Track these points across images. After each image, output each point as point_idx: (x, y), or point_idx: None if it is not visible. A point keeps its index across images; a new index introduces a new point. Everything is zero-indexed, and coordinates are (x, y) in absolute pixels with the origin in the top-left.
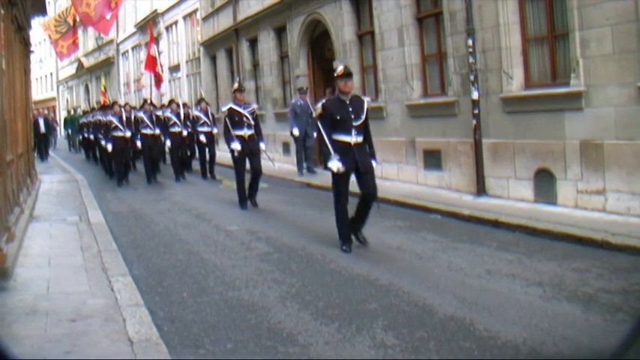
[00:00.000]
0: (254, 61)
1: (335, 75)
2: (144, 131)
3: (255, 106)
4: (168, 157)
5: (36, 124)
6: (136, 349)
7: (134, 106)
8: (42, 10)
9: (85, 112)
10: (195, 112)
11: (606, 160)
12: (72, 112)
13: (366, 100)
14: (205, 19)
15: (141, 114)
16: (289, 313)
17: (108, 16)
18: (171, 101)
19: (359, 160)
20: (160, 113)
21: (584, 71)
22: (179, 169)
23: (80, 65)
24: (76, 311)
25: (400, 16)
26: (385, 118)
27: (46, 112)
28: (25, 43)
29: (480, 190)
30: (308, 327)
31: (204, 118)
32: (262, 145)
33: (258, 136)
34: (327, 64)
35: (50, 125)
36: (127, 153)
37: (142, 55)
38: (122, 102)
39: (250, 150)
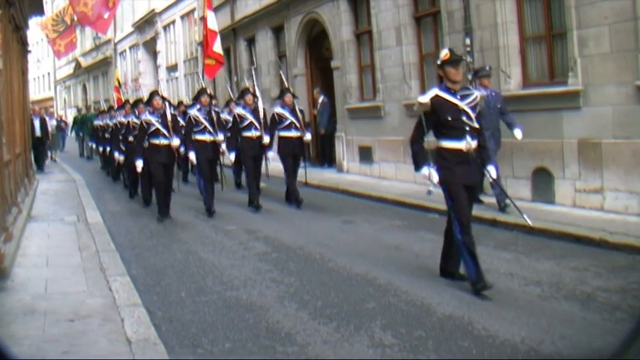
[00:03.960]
0: (252, 61)
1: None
2: (200, 137)
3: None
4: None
5: (30, 125)
6: (134, 348)
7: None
8: (39, 10)
9: (101, 112)
10: (238, 110)
11: (604, 159)
12: (83, 111)
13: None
14: (203, 18)
15: (195, 111)
16: (287, 312)
17: (106, 16)
18: (244, 91)
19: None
20: (223, 114)
21: (582, 70)
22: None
23: (78, 65)
24: (74, 311)
25: (398, 15)
26: (383, 117)
27: (37, 108)
28: (23, 43)
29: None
30: (306, 326)
31: (251, 118)
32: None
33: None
34: (325, 63)
35: (46, 126)
36: (170, 171)
37: (140, 54)
38: (104, 106)
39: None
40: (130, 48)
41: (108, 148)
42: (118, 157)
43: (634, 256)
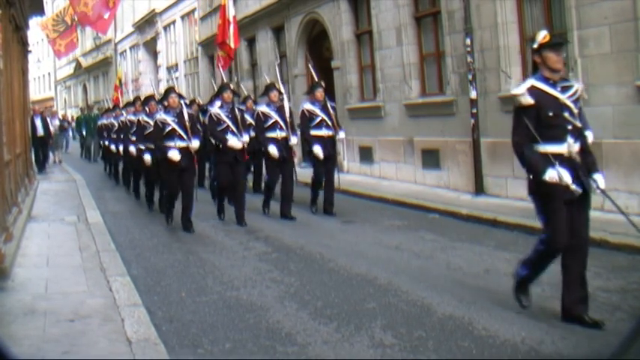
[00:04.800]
0: (252, 61)
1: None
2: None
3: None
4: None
5: (31, 124)
6: (135, 349)
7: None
8: (40, 10)
9: (106, 111)
10: (261, 108)
11: (604, 159)
12: (85, 111)
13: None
14: (203, 18)
15: (216, 109)
16: (288, 312)
17: (106, 16)
18: (268, 87)
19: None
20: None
21: (582, 70)
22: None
23: (78, 65)
24: (74, 311)
25: (398, 15)
26: (383, 117)
27: (38, 107)
28: (23, 43)
29: (479, 189)
30: (306, 326)
31: (276, 117)
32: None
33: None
34: (326, 63)
35: (47, 126)
36: (189, 178)
37: (140, 54)
38: (109, 105)
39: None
40: (131, 48)
41: (113, 146)
42: (134, 150)
43: (634, 256)
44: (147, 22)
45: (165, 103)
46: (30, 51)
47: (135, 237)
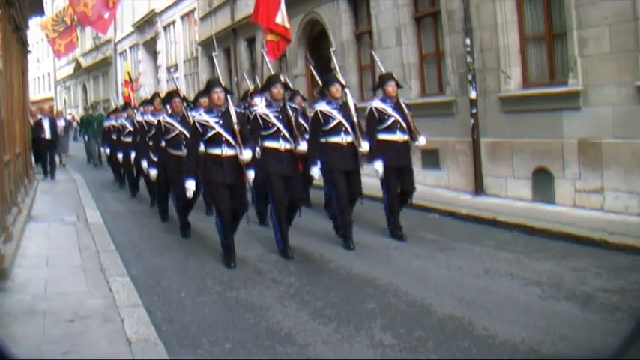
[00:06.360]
0: (252, 61)
1: None
2: (270, 144)
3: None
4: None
5: (38, 126)
6: (134, 349)
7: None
8: (39, 10)
9: (114, 111)
10: (320, 106)
11: (604, 159)
12: (90, 111)
13: None
14: (203, 18)
15: (263, 107)
16: (288, 312)
17: (106, 16)
18: (328, 81)
19: None
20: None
21: (582, 70)
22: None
23: (78, 65)
24: (74, 311)
25: (398, 15)
26: None
27: (47, 108)
28: (23, 43)
29: (478, 189)
30: (306, 327)
31: (340, 118)
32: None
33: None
34: (325, 63)
35: (55, 128)
36: (239, 199)
37: (140, 54)
38: (117, 104)
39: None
40: (130, 48)
41: (120, 155)
42: (148, 168)
43: (634, 256)
44: (147, 22)
45: (202, 100)
46: (30, 51)
47: (135, 237)
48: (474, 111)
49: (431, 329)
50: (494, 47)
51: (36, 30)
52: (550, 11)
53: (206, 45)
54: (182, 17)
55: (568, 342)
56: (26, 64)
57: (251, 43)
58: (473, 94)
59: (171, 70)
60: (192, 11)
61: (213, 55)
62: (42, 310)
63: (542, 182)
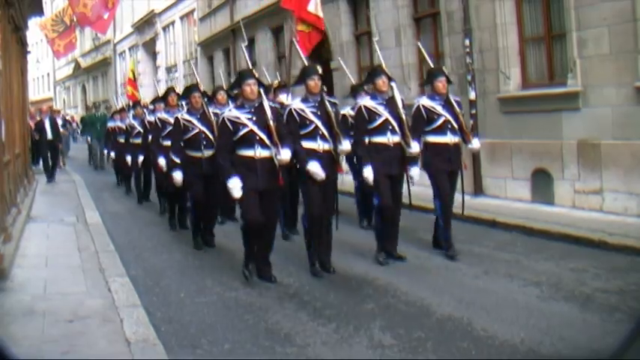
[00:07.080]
0: (252, 61)
1: None
2: (308, 144)
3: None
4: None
5: (40, 127)
6: (134, 349)
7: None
8: (39, 11)
9: (120, 111)
10: (366, 102)
11: (603, 160)
12: (93, 111)
13: None
14: (202, 19)
15: (298, 102)
16: (287, 313)
17: (105, 16)
18: (372, 74)
19: None
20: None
21: (582, 71)
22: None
23: (77, 66)
24: (73, 312)
25: (397, 16)
26: None
27: (46, 108)
28: (22, 44)
29: (478, 190)
30: (305, 327)
31: (387, 115)
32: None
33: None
34: (325, 64)
35: (57, 128)
36: (272, 205)
37: (139, 55)
38: (118, 104)
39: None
40: (130, 49)
41: (129, 158)
42: (171, 172)
43: (633, 257)
44: (146, 22)
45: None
46: (29, 51)
47: (134, 238)
48: (474, 112)
49: (430, 330)
50: (493, 48)
51: (35, 30)
52: (549, 12)
53: (205, 46)
54: (181, 18)
55: (567, 342)
56: (25, 65)
57: (251, 43)
58: (472, 95)
59: (192, 62)
60: (192, 12)
61: (242, 45)
62: (41, 310)
63: (542, 183)
